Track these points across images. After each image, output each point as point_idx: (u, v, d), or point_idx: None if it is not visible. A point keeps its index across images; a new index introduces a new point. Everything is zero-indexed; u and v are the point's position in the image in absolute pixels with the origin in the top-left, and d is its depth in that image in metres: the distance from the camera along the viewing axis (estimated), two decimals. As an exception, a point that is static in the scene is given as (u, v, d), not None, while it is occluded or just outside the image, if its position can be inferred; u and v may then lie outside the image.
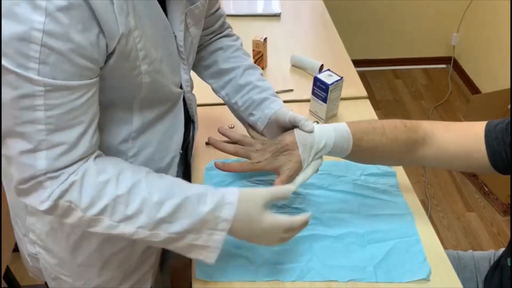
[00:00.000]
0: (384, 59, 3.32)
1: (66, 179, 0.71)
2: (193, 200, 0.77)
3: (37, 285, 1.77)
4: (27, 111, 0.65)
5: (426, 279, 0.93)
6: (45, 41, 0.62)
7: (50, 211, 0.72)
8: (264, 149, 0.95)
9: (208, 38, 1.10)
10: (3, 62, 0.62)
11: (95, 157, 0.75)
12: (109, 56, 0.71)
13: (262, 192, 0.83)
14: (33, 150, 0.68)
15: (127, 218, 0.74)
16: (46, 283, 1.04)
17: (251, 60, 1.12)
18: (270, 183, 1.12)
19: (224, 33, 1.13)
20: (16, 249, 1.46)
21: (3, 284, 1.76)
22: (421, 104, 3.03)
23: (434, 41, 3.25)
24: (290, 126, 0.96)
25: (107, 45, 0.69)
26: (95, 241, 0.92)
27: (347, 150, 0.93)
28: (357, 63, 1.63)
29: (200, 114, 1.12)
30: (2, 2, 0.61)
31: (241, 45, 1.14)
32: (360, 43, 3.13)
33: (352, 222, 1.04)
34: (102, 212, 0.73)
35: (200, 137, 1.18)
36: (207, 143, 1.22)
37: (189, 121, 1.03)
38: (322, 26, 1.86)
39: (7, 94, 0.64)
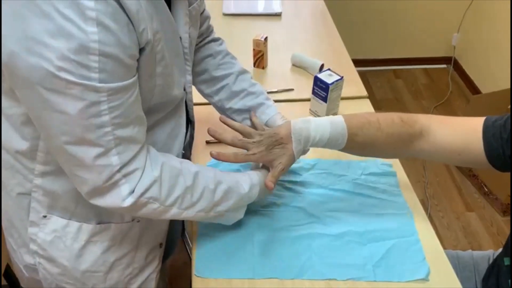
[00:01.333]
0: (385, 58, 3.32)
1: (142, 174, 0.76)
2: (235, 185, 0.92)
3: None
4: (94, 118, 0.68)
5: (425, 279, 0.93)
6: (102, 50, 0.64)
7: (130, 208, 0.77)
8: (260, 141, 0.96)
9: (198, 41, 1.11)
10: (67, 77, 0.64)
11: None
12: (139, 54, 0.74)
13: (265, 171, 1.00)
14: (106, 152, 0.72)
15: (191, 205, 0.85)
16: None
17: (239, 64, 1.16)
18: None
19: (211, 37, 1.16)
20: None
21: (3, 281, 1.76)
22: (422, 104, 3.03)
23: (434, 41, 3.25)
24: None
25: (139, 45, 0.72)
26: (99, 248, 0.92)
27: (342, 144, 0.95)
28: (357, 62, 1.64)
29: (199, 114, 1.12)
30: (51, 21, 0.62)
31: (226, 49, 1.19)
32: (360, 43, 3.13)
33: (352, 221, 1.04)
34: (174, 203, 0.82)
35: (199, 137, 1.19)
36: (207, 142, 1.22)
37: (188, 121, 1.04)
38: (322, 26, 1.86)
39: (73, 107, 0.67)
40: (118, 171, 0.74)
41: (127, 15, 0.67)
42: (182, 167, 0.84)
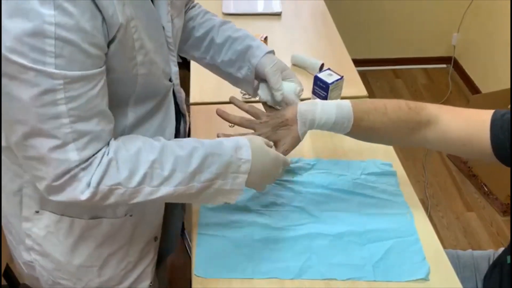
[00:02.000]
0: (385, 58, 3.32)
1: (100, 162, 0.72)
2: (215, 148, 0.82)
3: (36, 283, 1.77)
4: (49, 106, 0.65)
5: (425, 279, 0.93)
6: (58, 34, 0.62)
7: (90, 199, 0.72)
8: (267, 122, 0.98)
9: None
10: (19, 60, 0.61)
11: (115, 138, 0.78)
12: (108, 45, 0.71)
13: (259, 137, 0.92)
14: (62, 145, 0.68)
15: (165, 180, 0.77)
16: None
17: (220, 18, 1.13)
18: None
19: (188, 5, 1.13)
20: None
21: (3, 281, 1.76)
22: (421, 104, 3.03)
23: (434, 41, 3.25)
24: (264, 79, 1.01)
25: (108, 32, 0.69)
26: (93, 242, 0.92)
27: (347, 128, 0.94)
28: (357, 62, 1.63)
29: (199, 113, 1.12)
30: (9, 2, 0.60)
31: (204, 9, 1.15)
32: (360, 43, 3.13)
33: (352, 220, 1.04)
34: (142, 181, 0.75)
35: (199, 136, 1.18)
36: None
37: (179, 115, 1.03)
38: (322, 25, 1.86)
39: (26, 93, 0.64)
40: (77, 166, 0.70)
41: (96, 4, 0.65)
42: (144, 142, 0.78)
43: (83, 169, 0.71)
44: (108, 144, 0.75)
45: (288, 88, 1.01)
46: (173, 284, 1.85)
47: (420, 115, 0.94)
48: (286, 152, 0.95)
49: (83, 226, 0.90)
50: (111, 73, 0.75)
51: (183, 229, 1.92)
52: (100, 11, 0.66)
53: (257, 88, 1.06)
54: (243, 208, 1.06)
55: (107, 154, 0.73)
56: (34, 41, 0.61)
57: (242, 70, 1.05)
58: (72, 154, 0.69)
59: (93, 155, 0.71)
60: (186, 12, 1.12)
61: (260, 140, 0.89)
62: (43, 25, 0.61)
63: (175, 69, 0.94)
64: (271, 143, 0.92)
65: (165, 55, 0.88)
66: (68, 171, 0.70)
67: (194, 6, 1.14)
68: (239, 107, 1.05)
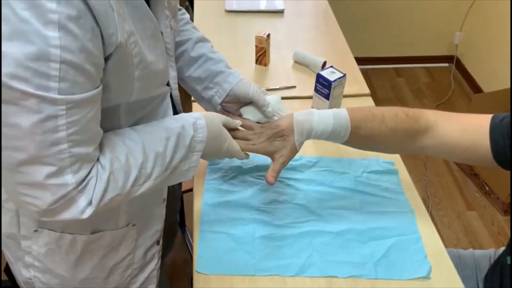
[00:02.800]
0: (387, 57, 3.31)
1: (97, 180, 0.71)
2: (181, 135, 0.84)
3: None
4: (50, 133, 0.62)
5: (426, 277, 0.93)
6: (63, 57, 0.58)
7: (93, 216, 0.71)
8: (262, 132, 0.96)
9: None
10: (21, 87, 0.58)
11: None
12: (105, 61, 0.68)
13: (218, 114, 0.93)
14: (59, 171, 0.65)
15: (148, 177, 0.79)
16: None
17: (200, 33, 1.11)
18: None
19: None
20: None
21: (4, 277, 1.76)
22: (423, 103, 3.02)
23: (436, 40, 3.24)
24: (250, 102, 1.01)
25: (104, 51, 0.66)
26: (96, 255, 0.91)
27: (344, 137, 0.94)
28: (359, 60, 1.63)
29: (199, 110, 1.11)
30: (7, 24, 0.56)
31: (189, 18, 1.13)
32: (362, 41, 3.12)
33: (353, 218, 1.04)
34: (133, 184, 0.76)
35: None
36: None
37: None
38: (325, 23, 1.85)
39: (27, 120, 0.60)
40: (74, 189, 0.68)
41: (94, 18, 0.62)
42: (128, 146, 0.77)
43: (80, 191, 0.69)
44: (97, 159, 0.73)
45: (272, 101, 1.02)
46: (174, 281, 1.85)
47: (419, 123, 0.93)
48: (283, 164, 0.94)
49: (84, 241, 0.88)
50: (105, 89, 0.72)
51: (184, 226, 1.93)
52: (100, 28, 0.63)
53: (239, 113, 1.05)
54: (244, 205, 1.06)
55: (104, 169, 0.71)
56: (37, 66, 0.57)
57: (209, 92, 1.05)
58: (69, 177, 0.67)
59: (87, 175, 0.70)
60: None
61: (217, 119, 0.91)
62: (48, 49, 0.57)
63: (173, 74, 0.93)
64: (232, 122, 0.95)
65: (165, 62, 0.85)
66: (65, 195, 0.67)
67: (179, 10, 1.11)
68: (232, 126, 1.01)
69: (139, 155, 0.77)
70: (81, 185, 0.69)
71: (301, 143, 0.95)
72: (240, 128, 1.00)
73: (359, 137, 0.94)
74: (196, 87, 1.07)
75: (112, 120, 0.80)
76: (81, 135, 0.66)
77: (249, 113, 1.03)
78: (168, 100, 0.92)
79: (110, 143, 0.76)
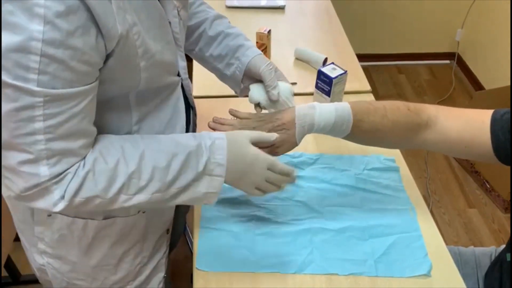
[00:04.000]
0: (388, 54, 3.30)
1: (74, 175, 0.70)
2: (193, 154, 0.79)
3: (38, 274, 1.77)
4: (25, 122, 0.63)
5: (427, 275, 0.93)
6: (44, 51, 0.59)
7: (65, 210, 0.71)
8: (261, 126, 0.94)
9: None
10: (2, 75, 0.59)
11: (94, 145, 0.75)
12: (107, 57, 0.69)
13: (247, 132, 0.86)
14: (34, 160, 0.66)
15: (141, 189, 0.75)
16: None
17: (216, 11, 1.10)
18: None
19: None
20: (17, 239, 1.46)
21: (4, 273, 1.76)
22: (424, 100, 3.02)
23: (438, 37, 3.23)
24: (260, 80, 0.98)
25: (105, 46, 0.66)
26: (107, 242, 0.92)
27: (346, 131, 0.92)
28: (360, 57, 1.62)
29: (201, 106, 1.11)
30: None
31: None
32: (364, 38, 3.11)
33: (354, 216, 1.04)
34: (118, 192, 0.73)
35: (201, 130, 1.18)
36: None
37: (188, 108, 1.02)
38: (326, 19, 1.85)
39: (3, 106, 0.62)
40: (48, 181, 0.68)
41: (90, 13, 0.62)
42: (124, 151, 0.75)
43: (55, 183, 0.69)
44: (84, 157, 0.72)
45: (283, 87, 0.98)
46: (174, 278, 1.85)
47: (420, 117, 0.92)
48: (277, 154, 0.93)
49: (96, 227, 0.89)
50: (111, 82, 0.73)
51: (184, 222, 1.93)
52: (97, 25, 0.63)
53: (247, 90, 1.03)
54: (245, 202, 1.05)
55: (83, 166, 0.71)
56: (18, 57, 0.58)
57: (231, 68, 1.03)
58: (43, 169, 0.67)
59: (66, 170, 0.69)
60: None
61: (241, 137, 0.84)
62: (30, 42, 0.58)
63: (183, 64, 0.92)
64: (267, 137, 0.88)
65: (173, 51, 0.85)
66: (37, 185, 0.68)
67: None
68: (237, 117, 1.00)
69: (133, 163, 0.74)
70: (57, 178, 0.69)
71: (301, 138, 0.94)
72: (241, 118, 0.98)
73: (360, 131, 0.93)
74: (218, 65, 1.06)
75: (123, 109, 0.81)
76: (62, 130, 0.66)
77: (256, 90, 1.00)
78: (179, 91, 0.92)
79: (104, 144, 0.75)
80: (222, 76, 1.08)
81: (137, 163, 0.75)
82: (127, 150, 0.75)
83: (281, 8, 1.87)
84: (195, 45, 1.08)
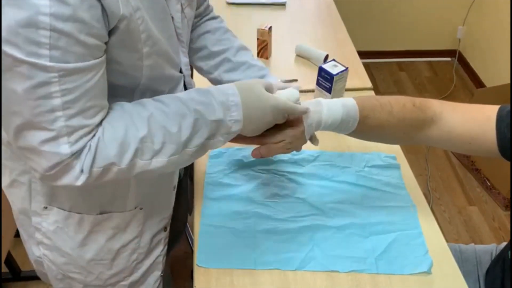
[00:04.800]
0: (389, 51, 3.30)
1: (89, 148, 0.70)
2: (204, 111, 0.78)
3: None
4: (44, 100, 0.63)
5: (428, 272, 0.93)
6: (53, 25, 0.59)
7: (86, 183, 0.71)
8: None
9: (195, 21, 1.08)
10: (13, 52, 0.60)
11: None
12: (110, 34, 0.69)
13: (258, 80, 0.86)
14: (55, 138, 0.66)
15: (157, 153, 0.75)
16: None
17: (240, 41, 1.11)
18: (274, 173, 1.12)
19: (210, 15, 1.11)
20: (17, 235, 1.46)
21: (4, 269, 1.76)
22: (425, 97, 2.99)
23: (439, 34, 3.23)
24: None
25: (108, 23, 0.67)
26: (103, 236, 0.92)
27: (352, 127, 0.92)
28: (361, 54, 1.62)
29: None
30: None
31: (226, 26, 1.13)
32: (365, 35, 3.11)
33: (355, 213, 1.03)
34: (133, 157, 0.73)
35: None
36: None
37: None
38: (327, 16, 1.84)
39: (20, 85, 0.62)
40: (69, 158, 0.69)
41: None
42: (132, 115, 0.75)
43: (75, 158, 0.70)
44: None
45: (290, 93, 0.96)
46: (175, 274, 1.85)
47: (425, 113, 0.91)
48: (284, 151, 0.91)
49: (92, 221, 0.90)
50: (114, 64, 0.73)
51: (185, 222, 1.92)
52: (101, 4, 0.64)
53: None
54: (246, 199, 1.05)
55: (95, 136, 0.71)
56: (27, 32, 0.58)
57: None
58: (64, 148, 0.67)
59: (85, 145, 0.70)
60: (205, 19, 1.10)
61: (258, 88, 0.83)
62: (37, 16, 0.58)
63: (185, 60, 0.92)
64: (273, 84, 0.87)
65: (174, 46, 0.85)
66: (59, 163, 0.68)
67: (215, 18, 1.12)
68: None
69: (142, 128, 0.74)
70: (76, 153, 0.69)
71: (310, 134, 0.92)
72: None
73: (366, 127, 0.92)
74: None
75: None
76: (80, 105, 0.66)
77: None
78: (181, 88, 0.92)
79: (111, 112, 0.75)
80: None
81: (147, 127, 0.74)
82: (135, 115, 0.75)
83: (282, 5, 1.86)
84: (214, 70, 1.08)
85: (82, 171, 0.70)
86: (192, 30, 1.07)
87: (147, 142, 0.74)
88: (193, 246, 0.99)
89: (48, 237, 0.92)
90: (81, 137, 0.69)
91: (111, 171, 0.73)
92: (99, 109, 0.71)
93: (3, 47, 0.60)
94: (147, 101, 0.78)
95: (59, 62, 0.62)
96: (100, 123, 0.72)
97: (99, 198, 0.88)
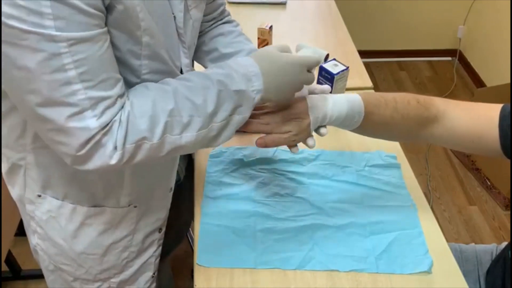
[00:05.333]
0: (389, 50, 3.30)
1: (120, 123, 0.69)
2: (227, 82, 0.78)
3: (39, 269, 1.77)
4: (58, 73, 0.62)
5: (428, 272, 0.93)
6: None
7: (120, 160, 0.71)
8: (274, 112, 0.91)
9: (208, 25, 1.09)
10: (18, 25, 0.59)
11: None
12: (108, 11, 0.68)
13: (272, 46, 0.85)
14: (80, 112, 0.65)
15: (185, 127, 0.75)
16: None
17: (253, 45, 1.10)
18: (274, 172, 1.12)
19: (224, 19, 1.11)
20: (18, 234, 1.46)
21: (5, 268, 1.76)
22: (426, 97, 3.02)
23: (440, 33, 3.23)
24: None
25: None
26: (95, 230, 0.92)
27: (357, 123, 0.91)
28: (361, 53, 1.62)
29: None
30: None
31: (241, 30, 1.12)
32: (365, 34, 3.10)
33: (355, 212, 1.03)
34: (164, 131, 0.72)
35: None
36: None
37: None
38: (328, 15, 1.84)
39: (32, 60, 0.61)
40: (98, 133, 0.68)
41: None
42: (157, 92, 0.75)
43: (105, 134, 0.68)
44: (124, 102, 0.72)
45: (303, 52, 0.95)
46: (175, 273, 1.85)
47: (429, 110, 0.91)
48: (289, 142, 0.90)
49: (84, 213, 0.90)
50: (114, 50, 0.72)
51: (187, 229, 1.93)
52: None
53: None
54: (246, 198, 1.05)
55: (124, 111, 0.71)
56: (28, 4, 0.59)
57: None
58: (91, 121, 0.66)
59: (112, 119, 0.69)
60: (219, 23, 1.10)
61: (271, 51, 0.83)
62: None
63: (186, 61, 0.91)
64: (288, 47, 0.86)
65: (175, 45, 0.85)
66: (90, 139, 0.67)
67: (231, 22, 1.12)
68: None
69: (169, 101, 0.73)
70: (106, 128, 0.68)
71: (314, 128, 0.91)
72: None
73: (370, 123, 0.92)
74: None
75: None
76: (95, 76, 0.66)
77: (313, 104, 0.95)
78: None
79: (137, 89, 0.75)
80: None
81: (173, 101, 0.74)
82: (160, 90, 0.75)
83: (282, 4, 1.86)
84: None
85: (115, 148, 0.69)
86: (205, 33, 1.08)
87: (175, 115, 0.73)
88: (193, 245, 0.99)
89: (40, 226, 0.92)
90: (106, 109, 0.68)
91: (143, 148, 0.72)
92: (116, 81, 0.70)
93: (8, 21, 0.59)
94: (169, 79, 0.78)
95: (66, 31, 0.61)
96: (123, 95, 0.71)
97: (93, 188, 0.87)
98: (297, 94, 0.90)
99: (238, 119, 0.81)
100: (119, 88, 0.70)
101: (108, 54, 0.68)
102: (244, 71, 0.79)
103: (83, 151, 0.68)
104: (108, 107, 0.68)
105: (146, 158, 0.74)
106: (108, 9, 0.68)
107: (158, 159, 0.76)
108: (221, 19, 1.11)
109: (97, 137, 0.68)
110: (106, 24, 0.69)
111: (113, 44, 0.72)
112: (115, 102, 0.69)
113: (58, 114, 0.65)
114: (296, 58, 0.83)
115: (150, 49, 0.76)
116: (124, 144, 0.70)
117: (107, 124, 0.68)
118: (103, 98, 0.67)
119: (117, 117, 0.70)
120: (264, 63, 0.81)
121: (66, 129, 0.66)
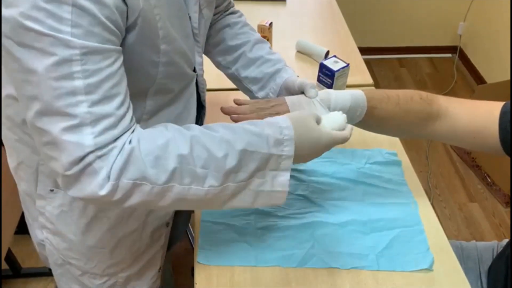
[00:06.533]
0: (390, 47, 3.29)
1: (121, 151, 0.64)
2: (254, 143, 0.72)
3: (39, 268, 1.77)
4: (65, 80, 0.61)
5: (429, 269, 0.93)
6: (75, 1, 0.59)
7: (111, 194, 0.64)
8: (277, 104, 0.93)
9: (215, 18, 1.09)
10: (35, 26, 0.58)
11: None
12: (129, 30, 0.68)
13: (310, 114, 0.80)
14: (77, 125, 0.62)
15: (197, 179, 0.68)
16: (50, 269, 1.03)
17: (258, 35, 1.11)
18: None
19: (229, 11, 1.12)
20: (18, 232, 1.46)
21: (5, 266, 1.76)
22: (426, 94, 3.01)
23: (440, 30, 3.22)
24: (299, 93, 0.96)
25: (128, 16, 0.66)
26: (106, 224, 0.92)
27: (359, 117, 0.92)
28: (362, 50, 1.61)
29: (209, 99, 1.10)
30: None
31: (245, 20, 1.13)
32: (365, 31, 3.10)
33: (356, 210, 1.03)
34: (171, 177, 0.66)
35: (208, 122, 1.17)
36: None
37: (200, 106, 1.01)
38: (328, 12, 1.83)
39: (41, 63, 0.60)
40: (91, 152, 0.63)
41: None
42: (174, 133, 0.69)
43: (99, 157, 0.63)
44: (130, 131, 0.67)
45: (331, 122, 0.93)
46: (175, 271, 1.85)
47: (432, 106, 0.92)
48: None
49: (97, 207, 0.90)
50: (130, 62, 0.71)
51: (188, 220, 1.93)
52: None
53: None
54: (246, 196, 1.05)
55: (130, 143, 0.65)
56: (50, 7, 0.58)
57: (263, 91, 1.04)
58: (87, 138, 0.62)
59: (111, 142, 0.64)
60: (225, 14, 1.10)
61: (309, 121, 0.78)
62: None
63: (199, 60, 0.92)
64: (320, 118, 0.82)
65: (190, 45, 0.85)
66: (82, 158, 0.62)
67: (235, 13, 1.12)
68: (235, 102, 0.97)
69: (184, 146, 0.67)
70: (102, 151, 0.63)
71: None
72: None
73: (373, 118, 0.93)
74: (252, 87, 1.06)
75: (139, 99, 0.79)
76: (103, 91, 0.63)
77: (295, 105, 0.95)
78: (193, 86, 0.92)
79: (154, 126, 0.71)
80: (253, 97, 1.08)
81: (189, 146, 0.68)
82: (177, 132, 0.70)
83: (282, 1, 1.86)
84: (232, 65, 1.08)
85: (108, 178, 0.63)
86: (211, 26, 1.08)
87: (188, 163, 0.67)
88: (193, 243, 0.99)
89: (51, 221, 0.92)
90: (106, 129, 0.64)
91: (142, 190, 0.66)
92: (122, 101, 0.66)
93: (25, 22, 0.58)
94: (194, 125, 0.74)
95: (81, 39, 0.61)
96: (128, 120, 0.67)
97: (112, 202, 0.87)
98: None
99: (258, 184, 0.74)
100: (124, 109, 0.67)
101: (118, 74, 0.66)
102: (278, 132, 0.74)
103: (71, 171, 0.63)
104: (108, 128, 0.64)
105: (143, 203, 0.68)
106: (131, 28, 0.68)
107: (157, 208, 0.71)
108: (226, 11, 1.11)
109: (90, 158, 0.63)
110: (121, 46, 0.68)
111: (133, 57, 0.71)
112: (117, 124, 0.65)
113: (54, 125, 0.62)
114: (331, 137, 0.80)
115: (167, 56, 0.76)
116: (119, 176, 0.64)
117: (104, 147, 0.64)
118: (105, 116, 0.64)
119: (118, 144, 0.65)
120: (301, 130, 0.76)
121: (59, 141, 0.63)
